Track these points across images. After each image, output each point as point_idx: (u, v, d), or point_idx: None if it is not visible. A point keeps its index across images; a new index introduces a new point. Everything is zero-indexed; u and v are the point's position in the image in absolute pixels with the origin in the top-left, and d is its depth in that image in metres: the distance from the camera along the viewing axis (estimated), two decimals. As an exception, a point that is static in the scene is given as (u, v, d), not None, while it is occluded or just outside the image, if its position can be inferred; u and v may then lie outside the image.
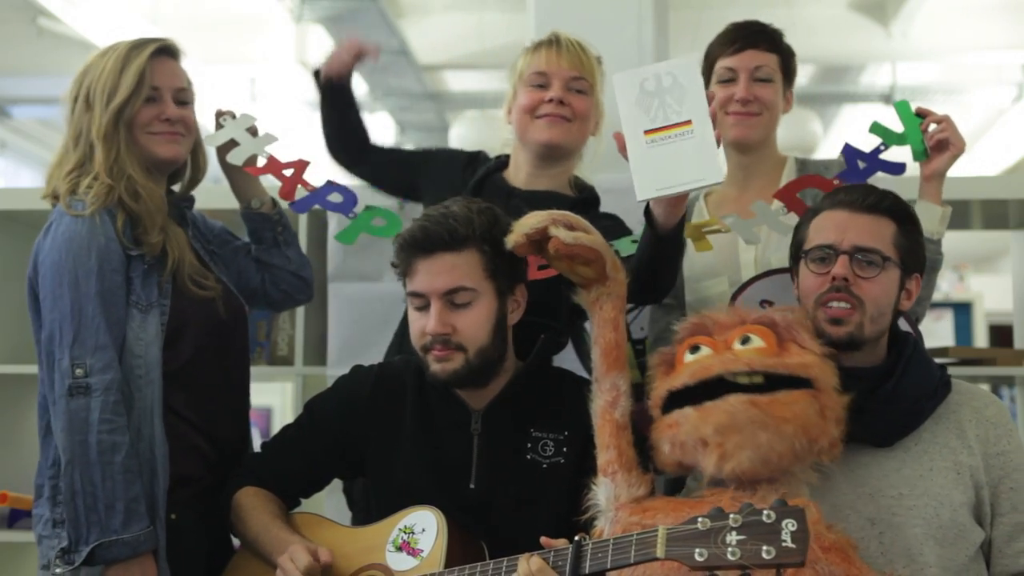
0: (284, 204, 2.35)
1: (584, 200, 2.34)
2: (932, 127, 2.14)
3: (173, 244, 2.10)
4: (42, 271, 2.04)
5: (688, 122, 1.89)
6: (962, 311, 6.43)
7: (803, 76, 7.66)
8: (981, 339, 6.34)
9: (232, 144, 2.29)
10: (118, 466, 1.94)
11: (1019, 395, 3.63)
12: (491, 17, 6.88)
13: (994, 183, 3.54)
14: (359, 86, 7.94)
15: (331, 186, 2.30)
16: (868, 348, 1.88)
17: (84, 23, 6.30)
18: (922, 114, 2.17)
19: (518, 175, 2.35)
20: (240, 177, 2.33)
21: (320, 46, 7.35)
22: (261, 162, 2.31)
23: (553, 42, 2.31)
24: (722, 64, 2.37)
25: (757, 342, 1.77)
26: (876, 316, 1.86)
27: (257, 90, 7.92)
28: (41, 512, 2.04)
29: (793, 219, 2.14)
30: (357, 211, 2.29)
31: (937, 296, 6.35)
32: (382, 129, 8.65)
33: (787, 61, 2.41)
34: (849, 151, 2.22)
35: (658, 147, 1.89)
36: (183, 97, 2.15)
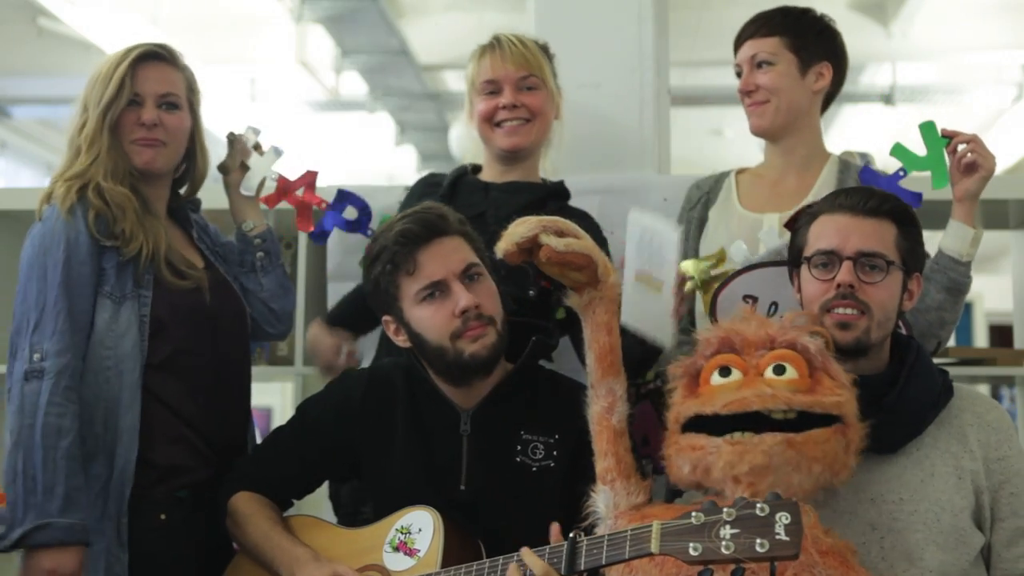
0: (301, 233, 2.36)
1: (555, 191, 2.39)
2: (961, 148, 2.11)
3: (149, 236, 2.09)
4: (21, 270, 2.06)
5: (661, 285, 2.00)
6: (962, 311, 6.43)
7: (803, 76, 7.64)
8: (981, 339, 6.34)
9: (243, 168, 2.30)
10: (62, 451, 1.93)
11: (1019, 395, 3.63)
12: (491, 17, 6.86)
13: (994, 183, 3.52)
14: (359, 86, 7.98)
15: (344, 198, 2.30)
16: (872, 353, 1.87)
17: (84, 23, 6.29)
18: (948, 136, 2.13)
19: (489, 172, 2.42)
20: (238, 197, 2.33)
21: (320, 46, 7.36)
22: (271, 185, 2.31)
23: (495, 46, 2.37)
24: (735, 62, 2.38)
25: (791, 373, 1.74)
26: (883, 321, 1.85)
27: (257, 90, 7.92)
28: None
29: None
30: (374, 227, 2.27)
31: (937, 296, 6.33)
32: (382, 129, 8.65)
33: (797, 39, 2.33)
34: (867, 176, 2.19)
35: (641, 289, 1.99)
36: (169, 101, 2.14)
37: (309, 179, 2.32)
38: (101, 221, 2.05)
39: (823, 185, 2.32)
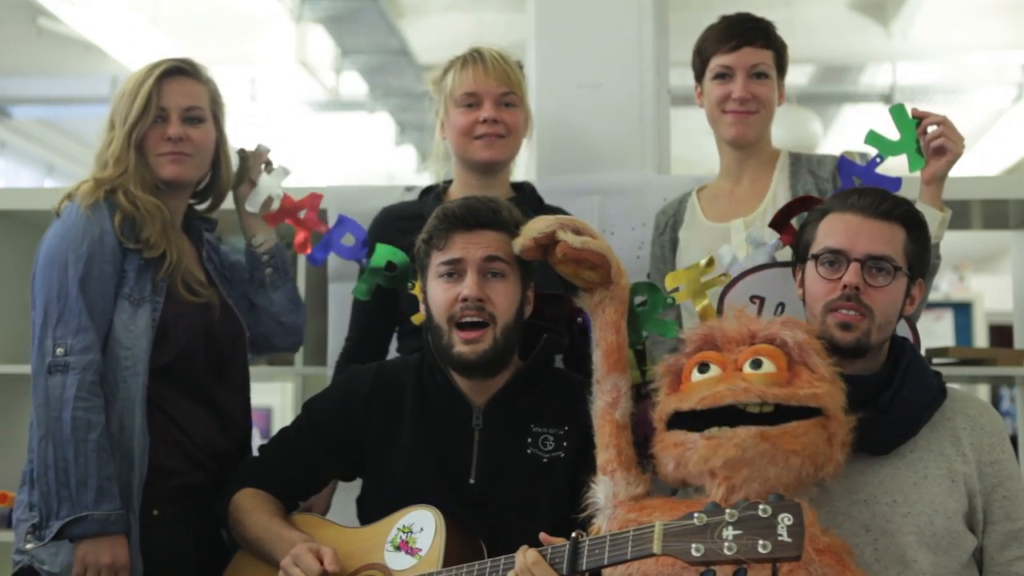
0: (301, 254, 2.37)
1: (523, 199, 2.41)
2: (931, 129, 2.12)
3: (173, 247, 2.12)
4: (39, 260, 2.09)
5: None
6: (962, 311, 6.43)
7: (803, 76, 7.65)
8: (981, 339, 6.34)
9: (252, 184, 2.33)
10: (92, 444, 1.96)
11: (1019, 395, 3.63)
12: (491, 17, 6.87)
13: (994, 183, 3.54)
14: (359, 86, 7.98)
15: (343, 225, 2.33)
16: (870, 355, 1.87)
17: (84, 23, 6.30)
18: (919, 117, 2.14)
19: (462, 186, 2.44)
20: (247, 213, 2.35)
21: (320, 46, 7.36)
22: (276, 203, 2.33)
23: (478, 59, 2.39)
24: (718, 62, 2.35)
25: (768, 366, 1.74)
26: (883, 324, 1.85)
27: (257, 90, 7.92)
28: (23, 497, 2.06)
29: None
30: (367, 257, 2.29)
31: (937, 296, 6.35)
32: (382, 129, 8.65)
33: (780, 55, 2.39)
34: (844, 165, 2.21)
35: None
36: (194, 115, 2.17)
37: (313, 202, 2.35)
38: (127, 224, 2.08)
39: (779, 182, 2.37)
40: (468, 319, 1.93)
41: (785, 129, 6.93)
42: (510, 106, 2.39)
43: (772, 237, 2.14)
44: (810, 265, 1.90)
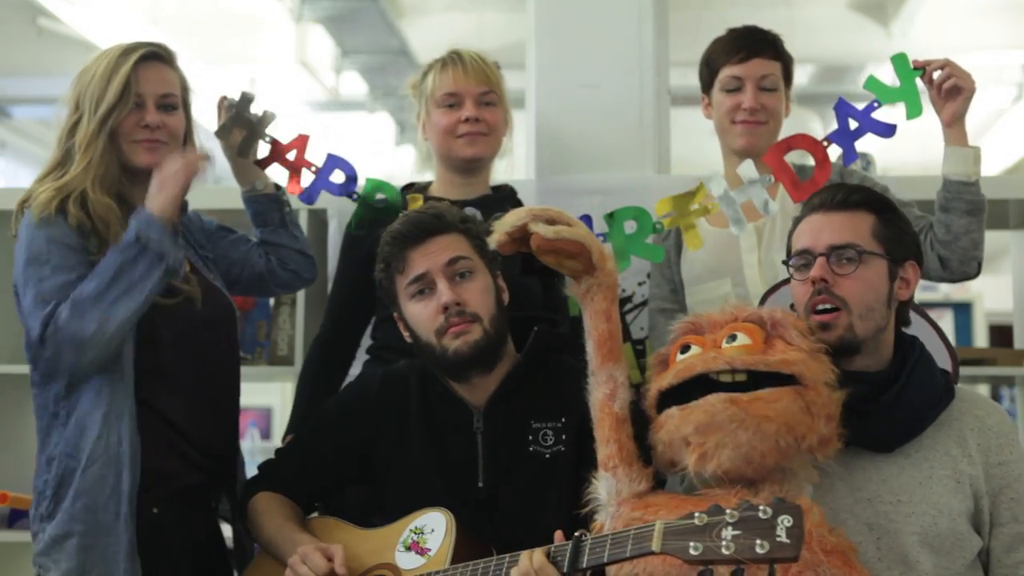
0: (293, 197, 2.40)
1: (501, 197, 2.48)
2: (937, 74, 2.16)
3: None
4: (14, 278, 2.06)
5: None
6: (962, 311, 6.42)
7: (803, 76, 7.65)
8: (981, 339, 6.33)
9: (239, 132, 2.32)
10: None
11: (1019, 395, 3.63)
12: (491, 17, 6.87)
13: (994, 183, 3.53)
14: (359, 86, 7.97)
15: (332, 162, 2.38)
16: (870, 348, 1.86)
17: (84, 23, 6.29)
18: (921, 66, 2.19)
19: (443, 184, 2.49)
20: (240, 161, 2.36)
21: (320, 46, 7.36)
22: (264, 148, 2.35)
23: (457, 61, 2.44)
24: (728, 73, 2.38)
25: (743, 340, 1.77)
26: (864, 313, 1.84)
27: (257, 90, 7.91)
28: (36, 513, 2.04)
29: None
30: (359, 190, 2.37)
31: (937, 296, 6.34)
32: (382, 129, 8.65)
33: (787, 67, 2.43)
34: (841, 107, 2.24)
35: None
36: (168, 103, 2.13)
37: (301, 143, 2.38)
38: (83, 232, 2.04)
39: (784, 191, 2.35)
40: (455, 326, 1.93)
41: (786, 129, 6.92)
42: (490, 105, 2.44)
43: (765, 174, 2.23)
44: (792, 273, 1.92)
